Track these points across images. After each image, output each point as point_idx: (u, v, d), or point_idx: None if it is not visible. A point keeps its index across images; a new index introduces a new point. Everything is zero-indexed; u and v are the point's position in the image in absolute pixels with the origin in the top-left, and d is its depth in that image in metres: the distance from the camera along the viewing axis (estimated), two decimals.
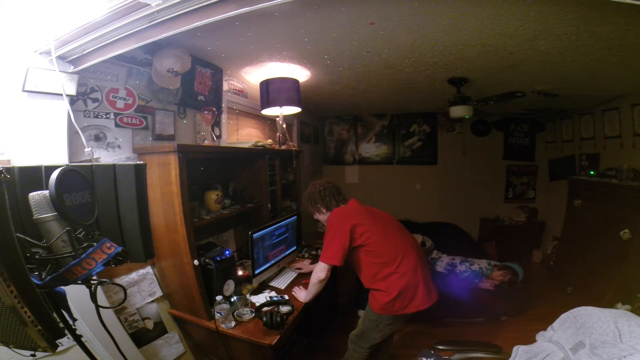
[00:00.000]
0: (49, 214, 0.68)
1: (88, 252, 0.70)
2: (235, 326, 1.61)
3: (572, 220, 3.59)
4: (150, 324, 1.68)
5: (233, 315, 1.65)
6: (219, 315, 1.59)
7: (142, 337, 1.62)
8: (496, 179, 4.70)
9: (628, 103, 2.96)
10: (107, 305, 1.41)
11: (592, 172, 3.37)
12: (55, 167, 0.70)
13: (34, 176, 0.75)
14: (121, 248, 0.75)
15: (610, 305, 2.41)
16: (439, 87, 2.77)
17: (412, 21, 1.55)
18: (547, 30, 1.58)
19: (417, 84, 2.81)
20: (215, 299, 1.60)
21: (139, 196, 0.88)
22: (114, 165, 0.88)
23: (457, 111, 2.83)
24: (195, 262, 1.57)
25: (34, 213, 0.68)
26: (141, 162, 0.91)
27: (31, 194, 0.69)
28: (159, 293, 1.75)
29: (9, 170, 0.69)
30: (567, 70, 2.22)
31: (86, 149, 1.34)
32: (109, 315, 1.44)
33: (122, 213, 0.88)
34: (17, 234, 0.62)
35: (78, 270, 0.67)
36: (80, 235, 0.73)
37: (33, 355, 0.69)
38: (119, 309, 1.55)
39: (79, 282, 0.69)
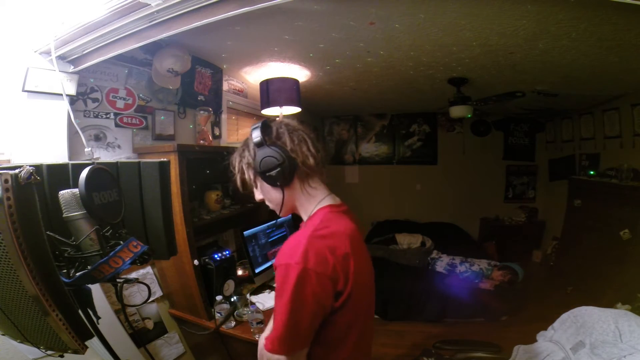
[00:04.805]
0: (78, 212, 0.69)
1: (116, 250, 0.70)
2: (235, 326, 1.61)
3: (572, 220, 3.58)
4: (150, 324, 1.68)
5: (233, 315, 1.65)
6: (219, 315, 1.58)
7: (142, 337, 1.62)
8: (496, 179, 4.69)
9: (628, 103, 2.96)
10: (107, 305, 1.41)
11: (592, 172, 3.37)
12: (83, 165, 0.72)
13: (62, 174, 0.77)
14: (147, 247, 0.75)
15: (610, 305, 2.41)
16: (439, 87, 2.77)
17: (412, 21, 1.55)
18: (547, 30, 1.58)
19: (417, 84, 2.81)
20: (215, 299, 1.60)
21: (163, 194, 0.89)
22: (138, 162, 0.88)
23: (457, 111, 2.83)
24: (195, 262, 1.57)
25: (63, 211, 0.69)
26: (165, 159, 0.90)
27: (61, 193, 0.70)
28: (159, 293, 1.74)
29: (39, 170, 0.70)
30: (567, 70, 2.22)
31: (86, 149, 1.33)
32: (109, 315, 1.43)
33: (146, 211, 0.88)
34: (47, 232, 0.62)
35: (105, 269, 0.68)
36: (108, 234, 0.74)
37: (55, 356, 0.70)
38: (119, 308, 1.55)
39: (106, 280, 0.70)
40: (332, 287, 0.75)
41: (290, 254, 0.76)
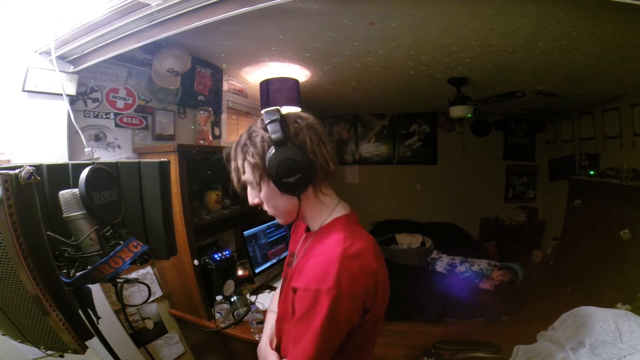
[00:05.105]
0: (78, 212, 0.69)
1: (116, 250, 0.71)
2: (235, 326, 1.61)
3: (572, 220, 3.58)
4: (150, 324, 1.68)
5: (233, 315, 1.65)
6: (219, 315, 1.58)
7: (142, 337, 1.62)
8: (496, 179, 4.69)
9: (628, 103, 2.96)
10: (107, 305, 1.41)
11: (592, 172, 3.37)
12: (83, 165, 0.72)
13: (62, 174, 0.77)
14: (147, 247, 0.75)
15: (610, 305, 2.40)
16: (439, 87, 2.77)
17: (412, 21, 1.55)
18: (547, 30, 1.58)
19: (417, 84, 2.81)
20: (215, 299, 1.60)
21: (163, 194, 0.89)
22: (138, 162, 0.89)
23: (457, 111, 2.83)
24: (195, 262, 1.57)
25: (63, 211, 0.69)
26: (165, 159, 0.91)
27: (61, 193, 0.70)
28: (159, 293, 1.74)
29: (39, 170, 0.70)
30: (567, 70, 2.22)
31: (86, 149, 1.33)
32: (109, 315, 1.43)
33: (146, 211, 0.89)
34: (47, 232, 0.62)
35: (105, 269, 0.68)
36: (108, 234, 0.74)
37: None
38: (119, 308, 1.55)
39: (106, 280, 0.70)
40: (363, 306, 0.71)
41: (320, 278, 0.67)
